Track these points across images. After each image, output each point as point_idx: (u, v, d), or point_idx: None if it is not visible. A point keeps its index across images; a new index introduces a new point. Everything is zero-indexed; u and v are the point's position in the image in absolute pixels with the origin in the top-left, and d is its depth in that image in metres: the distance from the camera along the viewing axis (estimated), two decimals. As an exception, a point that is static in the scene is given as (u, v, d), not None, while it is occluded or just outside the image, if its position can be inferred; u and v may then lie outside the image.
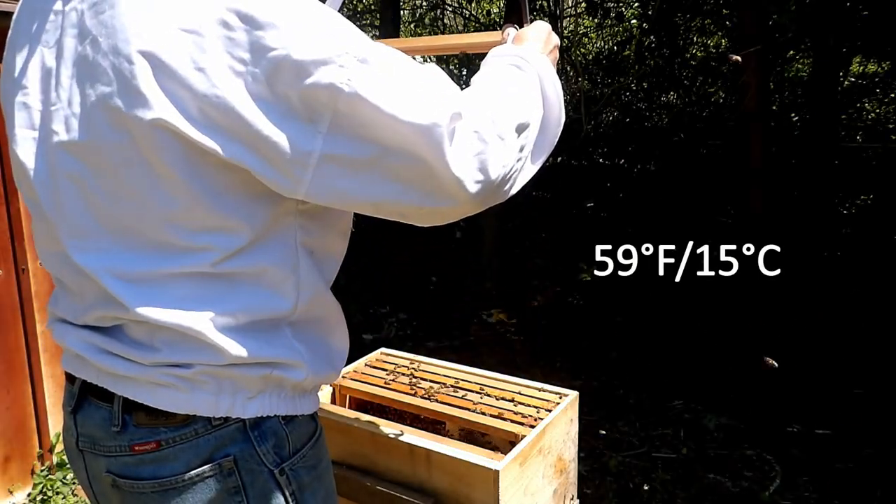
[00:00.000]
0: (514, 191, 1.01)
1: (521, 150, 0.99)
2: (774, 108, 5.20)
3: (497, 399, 1.63)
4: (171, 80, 0.81)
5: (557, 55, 1.21)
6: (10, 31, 1.02)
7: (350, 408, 1.73)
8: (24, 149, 0.95)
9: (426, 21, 9.41)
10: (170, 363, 0.93)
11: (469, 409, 1.59)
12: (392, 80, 0.85)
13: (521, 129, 0.99)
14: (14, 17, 1.02)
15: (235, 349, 0.93)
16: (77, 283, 0.98)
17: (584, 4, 6.62)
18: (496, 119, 0.94)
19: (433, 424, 1.66)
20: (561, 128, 1.09)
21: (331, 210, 0.99)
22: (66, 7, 0.91)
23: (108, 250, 0.92)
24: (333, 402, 1.76)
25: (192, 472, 0.94)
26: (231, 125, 0.82)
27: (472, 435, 1.61)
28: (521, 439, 1.43)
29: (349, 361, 1.85)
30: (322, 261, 1.03)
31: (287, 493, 1.00)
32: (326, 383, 1.10)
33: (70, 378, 1.05)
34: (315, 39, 0.82)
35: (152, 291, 0.91)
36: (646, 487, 2.98)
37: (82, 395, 1.02)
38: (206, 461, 0.95)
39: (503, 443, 1.52)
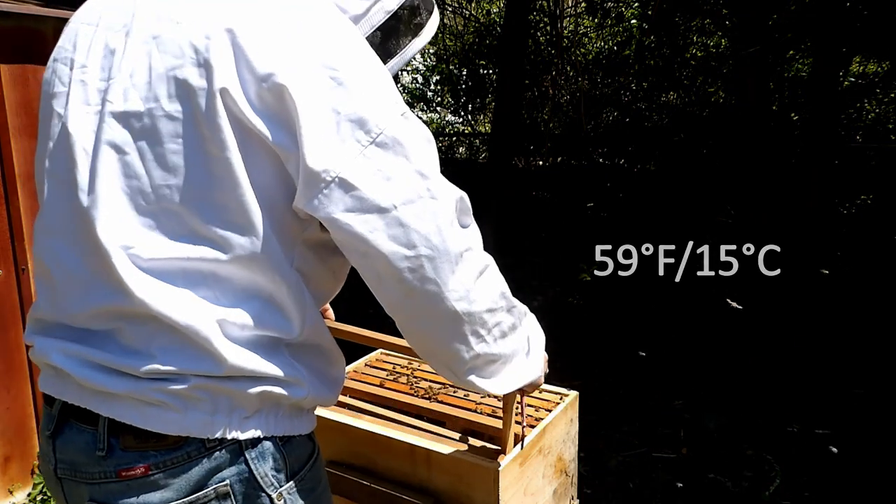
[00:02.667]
0: (475, 373, 1.04)
1: (502, 319, 1.03)
2: (774, 107, 5.20)
3: (498, 399, 1.63)
4: (242, 60, 0.86)
5: (545, 366, 1.23)
6: (68, 25, 1.05)
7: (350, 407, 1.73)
8: (76, 121, 0.94)
9: (426, 21, 9.38)
10: (164, 373, 0.88)
11: (469, 410, 1.59)
12: (424, 146, 0.93)
13: (508, 301, 1.04)
14: (75, 14, 1.05)
15: (235, 359, 0.89)
16: (82, 269, 0.92)
17: (584, 4, 6.62)
18: (494, 270, 1.01)
19: (433, 424, 1.65)
20: (524, 376, 1.15)
21: (329, 245, 0.99)
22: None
23: (129, 227, 0.89)
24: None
25: (184, 500, 0.89)
26: (280, 113, 0.86)
27: (473, 435, 1.61)
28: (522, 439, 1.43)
29: (349, 361, 1.85)
30: (316, 287, 1.02)
31: None
32: (325, 405, 1.07)
33: (49, 400, 0.98)
34: (377, 83, 0.90)
35: (161, 283, 0.89)
36: (646, 488, 2.99)
37: (63, 418, 0.95)
38: (201, 487, 0.90)
39: (504, 443, 1.51)
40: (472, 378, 1.04)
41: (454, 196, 0.94)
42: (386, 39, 1.06)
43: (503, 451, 1.37)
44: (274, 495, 0.95)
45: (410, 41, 1.10)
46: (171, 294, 0.89)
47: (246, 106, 0.86)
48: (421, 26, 1.11)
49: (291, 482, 0.97)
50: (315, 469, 1.03)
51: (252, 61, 0.85)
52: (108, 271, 0.89)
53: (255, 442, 0.93)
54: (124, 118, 0.90)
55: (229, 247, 0.89)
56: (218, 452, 0.91)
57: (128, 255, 0.89)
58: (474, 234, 0.98)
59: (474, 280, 0.95)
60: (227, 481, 0.91)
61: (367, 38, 1.03)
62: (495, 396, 1.38)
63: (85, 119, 0.93)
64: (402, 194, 0.89)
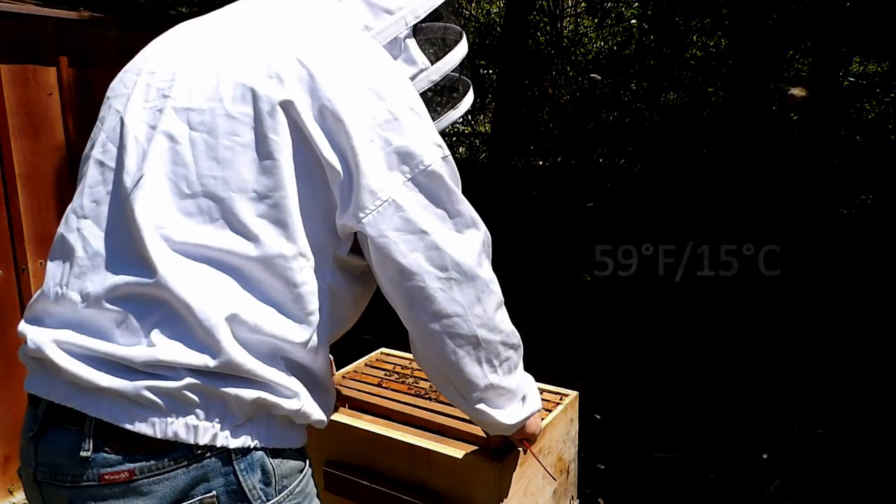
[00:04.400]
0: (483, 375, 1.10)
1: (505, 354, 1.12)
2: (774, 107, 5.20)
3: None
4: (308, 82, 0.94)
5: (537, 429, 1.31)
6: (149, 45, 1.12)
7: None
8: (132, 114, 1.00)
9: (426, 21, 9.39)
10: (159, 363, 0.86)
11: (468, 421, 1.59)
12: (458, 186, 1.04)
13: (515, 339, 1.13)
14: (161, 36, 1.13)
15: (235, 354, 0.89)
16: (111, 248, 0.92)
17: (584, 4, 6.62)
18: (510, 325, 1.12)
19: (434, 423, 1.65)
20: (526, 409, 1.22)
21: (354, 272, 1.07)
22: (220, 14, 1.08)
23: (168, 210, 0.93)
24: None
25: None
26: (337, 135, 0.94)
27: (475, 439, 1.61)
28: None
29: (349, 361, 1.85)
30: (329, 317, 1.02)
31: None
32: (315, 424, 1.04)
33: (34, 401, 0.97)
34: (421, 122, 1.00)
35: (188, 268, 0.90)
36: (645, 488, 2.98)
37: (47, 419, 0.93)
38: (185, 497, 0.87)
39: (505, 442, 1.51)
40: (481, 406, 1.13)
41: (482, 231, 1.05)
42: (429, 102, 1.19)
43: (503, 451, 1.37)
44: None
45: (447, 112, 1.25)
46: (193, 278, 0.89)
47: (309, 118, 0.93)
48: (458, 99, 1.28)
49: (280, 496, 0.95)
50: (304, 484, 1.01)
51: (319, 85, 0.94)
52: (138, 247, 0.90)
53: (244, 451, 0.91)
54: (184, 112, 0.96)
55: (260, 243, 0.92)
56: (206, 460, 0.88)
57: (160, 235, 0.91)
58: (492, 272, 1.07)
59: (495, 310, 1.06)
60: (214, 492, 0.89)
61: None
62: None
63: (142, 113, 0.99)
64: (441, 223, 0.99)
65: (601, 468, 3.11)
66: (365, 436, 1.47)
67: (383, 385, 1.72)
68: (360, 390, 1.69)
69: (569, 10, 7.81)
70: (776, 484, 2.92)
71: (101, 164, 1.00)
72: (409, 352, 1.14)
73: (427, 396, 1.66)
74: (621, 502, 2.91)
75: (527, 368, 1.20)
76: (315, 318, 0.98)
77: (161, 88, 1.00)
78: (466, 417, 1.59)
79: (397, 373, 1.78)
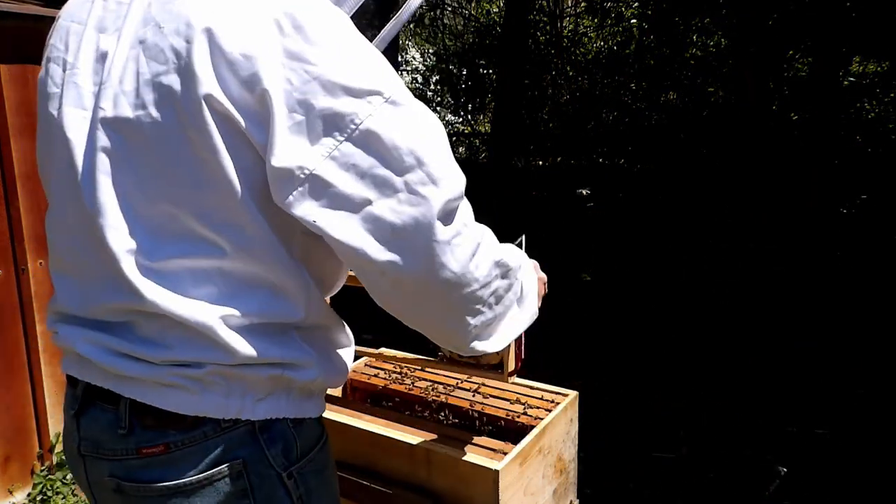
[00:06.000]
0: (480, 340, 1.05)
1: (498, 287, 1.02)
2: (774, 107, 5.20)
3: (497, 399, 1.63)
4: (222, 61, 0.86)
5: (542, 289, 1.26)
6: (58, 21, 1.05)
7: (358, 399, 1.73)
8: (71, 124, 0.96)
9: (426, 21, 9.41)
10: (181, 362, 0.92)
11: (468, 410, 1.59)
12: (418, 130, 0.89)
13: (504, 269, 1.02)
14: (64, 9, 1.05)
15: (246, 349, 0.93)
16: (95, 267, 0.95)
17: (584, 4, 6.62)
18: (488, 241, 0.99)
19: (434, 413, 1.65)
20: (533, 314, 1.17)
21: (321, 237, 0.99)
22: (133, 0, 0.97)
23: (133, 231, 0.92)
24: (345, 395, 1.76)
25: (200, 476, 0.93)
26: (261, 111, 0.86)
27: (472, 425, 1.61)
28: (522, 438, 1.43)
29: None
30: (321, 280, 1.03)
31: (294, 497, 0.99)
32: (334, 386, 1.10)
33: (72, 381, 1.02)
34: (352, 69, 0.87)
35: (170, 283, 0.91)
36: (646, 488, 2.99)
37: (86, 399, 0.99)
38: (216, 464, 0.94)
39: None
40: (475, 345, 1.06)
41: (446, 186, 0.89)
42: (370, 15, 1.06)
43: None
44: (284, 474, 0.98)
45: (398, 12, 1.11)
46: (179, 293, 0.91)
47: (231, 106, 0.86)
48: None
49: (301, 462, 1.01)
50: (324, 451, 1.07)
51: (231, 61, 0.86)
52: (119, 275, 0.92)
53: (267, 424, 0.97)
54: (116, 125, 0.92)
55: (227, 245, 0.91)
56: (233, 433, 0.95)
57: (135, 260, 0.91)
58: (465, 212, 0.94)
59: (466, 264, 0.93)
60: (241, 459, 0.95)
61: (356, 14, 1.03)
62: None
63: (80, 124, 0.95)
64: (377, 191, 0.87)
65: (601, 468, 3.11)
66: (365, 436, 1.47)
67: (385, 385, 1.72)
68: (369, 383, 1.69)
69: (569, 10, 7.81)
70: (776, 484, 2.92)
71: (60, 180, 0.98)
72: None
73: (427, 397, 1.66)
74: (621, 502, 2.91)
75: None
76: (305, 289, 0.98)
77: (92, 93, 0.95)
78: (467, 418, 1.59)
79: (398, 372, 1.78)
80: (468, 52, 8.78)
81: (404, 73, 10.36)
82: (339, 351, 1.09)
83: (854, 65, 5.81)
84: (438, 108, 10.04)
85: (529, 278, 1.17)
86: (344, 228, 0.88)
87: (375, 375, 1.77)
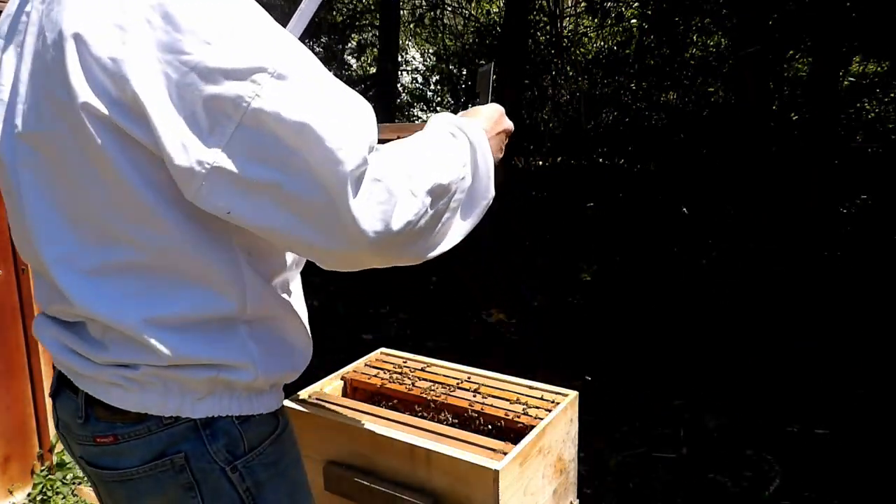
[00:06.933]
0: (433, 250, 1.00)
1: (436, 210, 0.97)
2: (774, 107, 5.20)
3: (497, 399, 1.63)
4: (93, 66, 0.84)
5: (505, 139, 1.20)
6: None
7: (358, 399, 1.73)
8: (1, 140, 0.98)
9: (426, 21, 9.41)
10: (118, 363, 0.96)
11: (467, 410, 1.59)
12: (310, 101, 0.84)
13: (439, 189, 0.97)
14: None
15: (174, 350, 0.94)
16: (41, 280, 1.03)
17: (584, 4, 6.63)
18: (413, 174, 0.93)
19: (434, 414, 1.65)
20: (488, 200, 1.08)
21: None
22: (31, 8, 0.95)
23: (63, 241, 0.95)
24: (345, 395, 1.76)
25: (145, 466, 0.98)
26: (137, 112, 0.83)
27: (471, 422, 1.61)
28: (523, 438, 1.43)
29: (350, 361, 1.85)
30: (262, 261, 1.02)
31: (240, 491, 1.01)
32: (284, 382, 1.10)
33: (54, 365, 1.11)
34: (230, 50, 0.82)
35: (97, 287, 0.94)
36: (646, 488, 2.99)
37: (59, 383, 1.08)
38: (159, 457, 0.98)
39: (509, 433, 1.51)
40: (432, 255, 1.01)
41: (345, 153, 0.84)
42: None
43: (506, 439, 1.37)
44: (228, 468, 1.00)
45: None
46: (107, 297, 0.94)
47: (108, 111, 0.84)
48: None
49: (248, 456, 1.02)
50: (278, 444, 1.06)
51: (102, 66, 0.83)
52: (53, 282, 0.97)
53: (210, 420, 0.99)
54: (30, 140, 0.93)
55: (145, 246, 0.92)
56: (174, 428, 0.98)
57: (65, 267, 0.95)
58: (375, 167, 0.88)
59: (388, 219, 0.88)
60: (183, 453, 0.98)
61: None
62: None
63: (7, 140, 0.97)
64: (281, 171, 0.84)
65: (601, 468, 3.11)
66: (365, 436, 1.48)
67: (384, 385, 1.72)
68: (370, 383, 1.69)
69: (569, 10, 7.82)
70: (776, 484, 2.92)
71: (6, 192, 1.01)
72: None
73: (427, 397, 1.66)
74: (621, 502, 2.91)
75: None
76: (240, 276, 0.97)
77: (11, 108, 0.95)
78: (466, 417, 1.59)
79: (398, 372, 1.78)
80: (468, 52, 8.78)
81: (405, 73, 10.35)
82: (292, 343, 1.08)
83: (854, 65, 5.80)
84: (438, 109, 10.03)
85: (483, 159, 1.08)
86: (258, 214, 0.86)
87: (375, 375, 1.77)
